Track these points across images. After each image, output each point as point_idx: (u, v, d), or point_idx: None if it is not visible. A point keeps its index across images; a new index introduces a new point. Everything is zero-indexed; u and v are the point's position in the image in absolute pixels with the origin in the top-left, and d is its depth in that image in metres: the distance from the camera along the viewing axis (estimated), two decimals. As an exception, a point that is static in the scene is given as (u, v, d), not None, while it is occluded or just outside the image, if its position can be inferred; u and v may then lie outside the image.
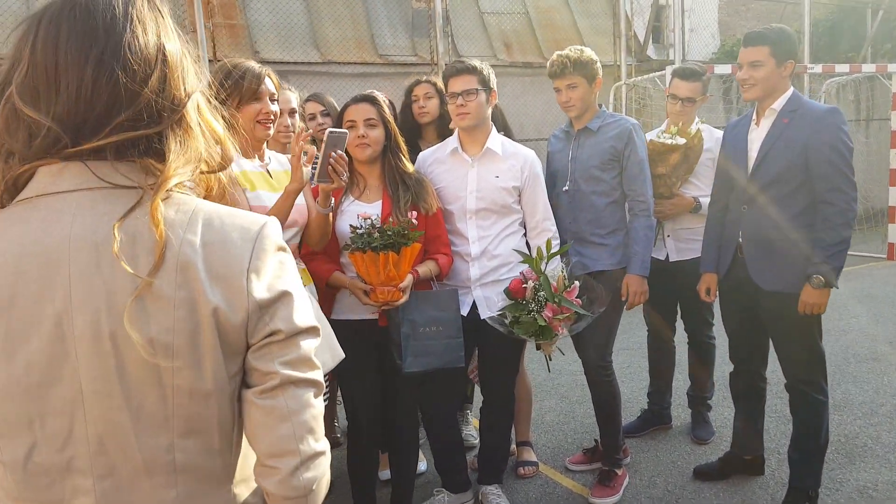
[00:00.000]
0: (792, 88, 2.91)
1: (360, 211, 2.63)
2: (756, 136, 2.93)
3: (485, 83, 2.84)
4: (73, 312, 0.88)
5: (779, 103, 2.87)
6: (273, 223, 0.99)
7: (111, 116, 0.90)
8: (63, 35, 0.90)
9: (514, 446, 3.57)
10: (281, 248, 0.99)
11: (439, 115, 3.41)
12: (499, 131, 3.15)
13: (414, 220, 2.58)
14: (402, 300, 2.57)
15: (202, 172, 0.99)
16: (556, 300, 2.70)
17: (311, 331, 0.99)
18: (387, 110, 2.73)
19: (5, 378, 0.89)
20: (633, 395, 4.34)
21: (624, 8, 9.17)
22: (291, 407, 0.95)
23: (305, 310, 0.99)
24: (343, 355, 2.31)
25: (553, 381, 4.72)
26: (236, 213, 0.98)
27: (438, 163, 2.97)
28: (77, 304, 0.88)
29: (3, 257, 0.89)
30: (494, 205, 2.89)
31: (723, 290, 3.13)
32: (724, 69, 7.74)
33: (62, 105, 0.89)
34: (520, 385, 3.36)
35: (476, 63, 2.86)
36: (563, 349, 3.05)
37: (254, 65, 2.35)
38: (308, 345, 0.98)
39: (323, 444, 0.99)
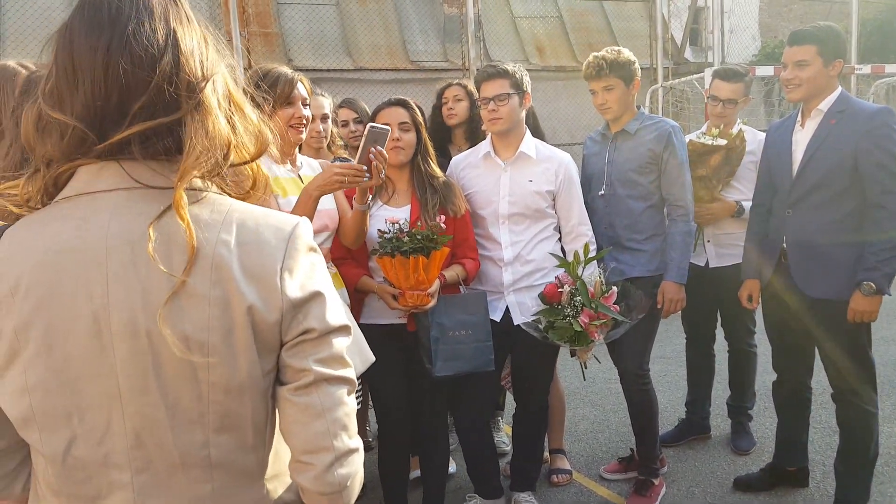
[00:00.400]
0: (840, 88, 2.79)
1: (389, 216, 2.62)
2: (801, 138, 2.83)
3: (517, 86, 2.79)
4: (110, 309, 0.90)
5: (825, 103, 2.76)
6: (305, 223, 1.00)
7: (127, 107, 0.91)
8: (75, 34, 0.92)
9: (547, 454, 3.51)
10: (312, 249, 1.00)
11: (469, 118, 3.40)
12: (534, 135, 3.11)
13: (442, 225, 2.56)
14: (431, 304, 2.55)
15: (234, 164, 0.98)
16: (593, 306, 2.64)
17: (343, 329, 1.00)
18: (419, 115, 2.72)
19: (45, 371, 0.91)
20: (671, 405, 4.23)
21: (660, 10, 9.05)
22: (325, 404, 0.97)
23: (337, 309, 1.00)
24: (373, 359, 2.29)
25: (587, 388, 4.63)
26: (270, 213, 0.99)
27: (471, 167, 2.94)
28: (114, 301, 0.90)
29: (44, 255, 0.91)
30: (528, 209, 2.84)
31: (765, 296, 3.03)
32: (765, 71, 7.58)
33: (81, 102, 0.91)
34: (553, 392, 3.29)
35: (509, 66, 2.81)
36: (598, 357, 2.98)
37: (286, 69, 2.35)
38: (340, 343, 1.00)
39: (356, 442, 1.01)
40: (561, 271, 2.76)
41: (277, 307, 0.94)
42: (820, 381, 2.99)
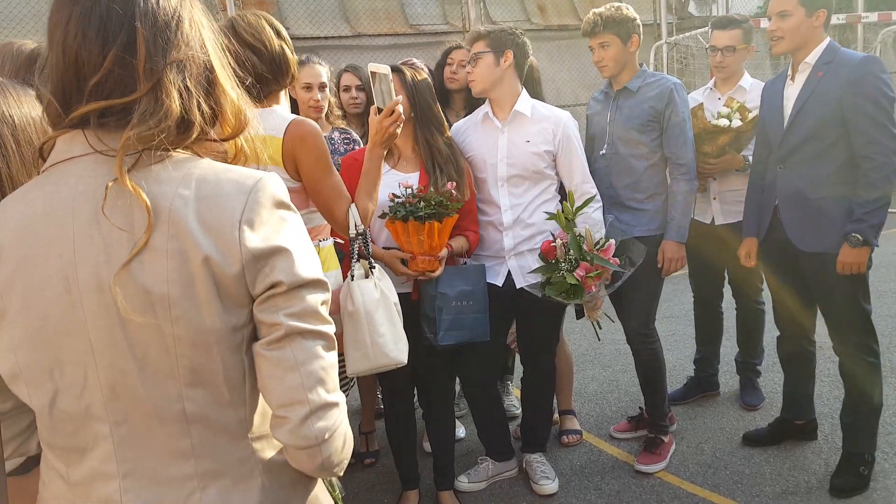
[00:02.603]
0: (828, 39, 2.75)
1: (399, 179, 2.61)
2: (791, 93, 2.80)
3: (494, 45, 2.75)
4: (77, 266, 0.93)
5: (812, 56, 2.73)
6: (272, 178, 0.99)
7: (83, 84, 0.93)
8: (51, 13, 0.96)
9: (557, 415, 3.54)
10: (281, 204, 0.99)
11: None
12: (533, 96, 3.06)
13: (454, 191, 2.56)
14: (440, 271, 2.55)
15: (204, 139, 0.99)
16: (589, 258, 2.63)
17: (316, 283, 0.99)
18: (409, 78, 2.65)
19: (26, 329, 0.95)
20: (679, 363, 4.24)
21: (663, -36, 8.84)
22: (298, 357, 0.96)
23: (309, 263, 0.99)
24: (405, 361, 2.22)
25: (596, 350, 4.66)
26: (233, 168, 0.99)
27: (470, 131, 2.93)
28: (80, 258, 0.93)
29: (21, 219, 0.96)
30: (526, 171, 2.82)
31: (763, 253, 3.03)
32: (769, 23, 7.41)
33: (52, 76, 0.95)
34: (560, 354, 3.31)
35: (489, 28, 2.82)
36: (610, 316, 2.98)
37: None
38: (314, 298, 0.99)
39: (335, 396, 1.00)
40: (558, 228, 2.74)
41: (237, 259, 0.93)
42: (826, 335, 2.98)
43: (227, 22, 2.07)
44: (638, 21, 3.01)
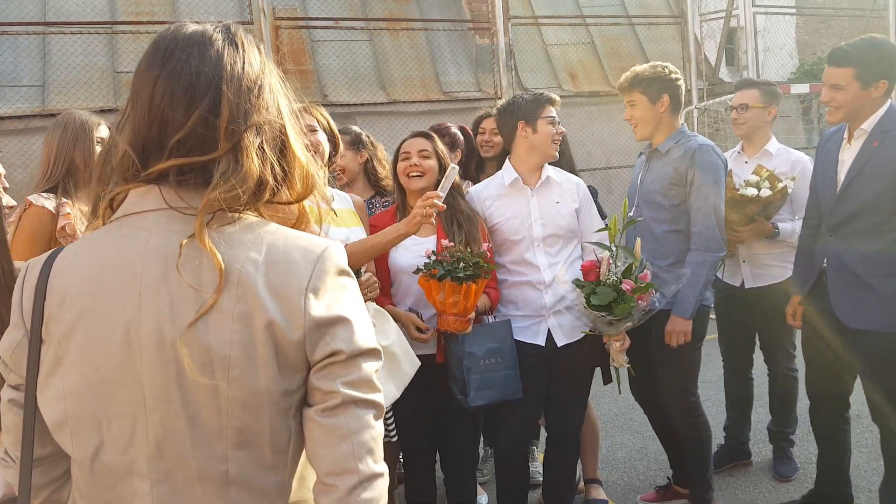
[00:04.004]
0: (888, 104, 2.64)
1: (415, 243, 2.66)
2: (846, 157, 2.70)
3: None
4: (140, 320, 0.95)
5: (869, 123, 2.63)
6: (336, 247, 1.03)
7: (165, 140, 0.97)
8: (139, 69, 1.01)
9: (582, 484, 3.46)
10: (344, 272, 1.02)
11: (503, 150, 3.42)
12: (563, 158, 3.09)
13: (489, 252, 2.59)
14: (467, 331, 2.57)
15: (276, 202, 1.03)
16: (633, 277, 2.61)
17: (373, 353, 1.01)
18: (440, 146, 2.78)
19: (80, 378, 0.96)
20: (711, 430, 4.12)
21: (693, 31, 9.00)
22: (352, 426, 0.97)
23: (367, 332, 1.02)
24: (419, 363, 2.40)
25: (626, 416, 4.56)
26: (301, 235, 1.02)
27: (497, 196, 2.91)
28: (145, 312, 0.95)
29: (90, 268, 0.98)
30: (560, 229, 2.85)
31: (805, 314, 2.93)
32: (801, 88, 7.47)
33: (131, 129, 0.99)
34: (586, 420, 3.24)
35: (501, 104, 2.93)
36: (632, 368, 2.93)
37: None
38: (369, 367, 1.00)
39: (382, 467, 1.00)
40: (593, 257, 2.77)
41: (300, 325, 0.96)
42: (864, 404, 2.88)
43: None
44: (676, 82, 2.93)
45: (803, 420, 3.60)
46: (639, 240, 2.73)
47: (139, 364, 0.95)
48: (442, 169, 2.74)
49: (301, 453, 1.03)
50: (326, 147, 2.48)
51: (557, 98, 2.89)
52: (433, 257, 2.52)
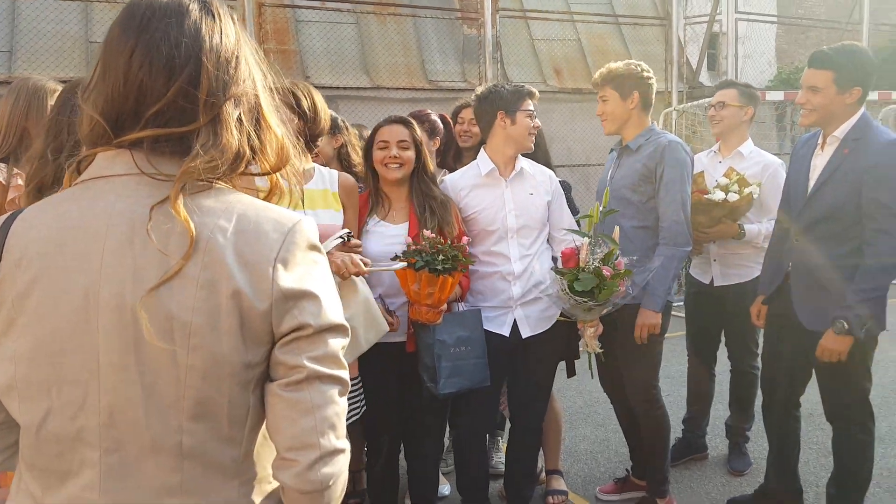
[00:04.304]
0: (861, 112, 2.65)
1: (388, 232, 2.69)
2: (818, 163, 2.73)
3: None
4: (101, 283, 0.92)
5: (841, 131, 2.64)
6: (308, 221, 1.02)
7: (141, 111, 0.95)
8: (111, 35, 0.98)
9: (543, 474, 3.53)
10: (314, 247, 1.01)
11: (481, 141, 3.45)
12: (538, 151, 3.13)
13: (468, 246, 2.60)
14: (438, 322, 2.59)
15: (247, 174, 1.02)
16: (611, 264, 2.65)
17: (340, 329, 1.01)
18: (419, 133, 2.75)
19: (33, 342, 0.93)
20: (673, 425, 4.22)
21: (676, 34, 9.10)
22: (316, 401, 0.96)
23: (335, 308, 1.01)
24: (387, 329, 2.39)
25: (590, 408, 4.64)
26: (273, 207, 1.01)
27: (472, 186, 2.92)
28: (106, 275, 0.92)
29: (50, 230, 0.95)
30: (533, 220, 2.89)
31: (767, 314, 3.02)
32: (776, 95, 7.60)
33: (104, 98, 0.96)
34: (549, 411, 3.29)
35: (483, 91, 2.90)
36: (579, 374, 2.99)
37: None
38: (336, 343, 1.00)
39: (343, 443, 1.00)
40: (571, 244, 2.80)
41: (268, 295, 0.94)
42: (817, 403, 2.96)
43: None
44: (648, 80, 2.97)
45: (759, 417, 3.72)
46: (617, 227, 2.77)
47: (96, 328, 0.92)
48: (420, 157, 2.74)
49: (259, 429, 1.01)
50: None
51: (537, 93, 2.93)
52: (412, 246, 2.52)
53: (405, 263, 2.44)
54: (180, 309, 0.91)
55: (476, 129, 3.40)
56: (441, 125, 3.45)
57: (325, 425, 0.97)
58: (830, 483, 2.88)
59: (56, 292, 0.93)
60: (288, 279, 0.96)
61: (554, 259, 2.94)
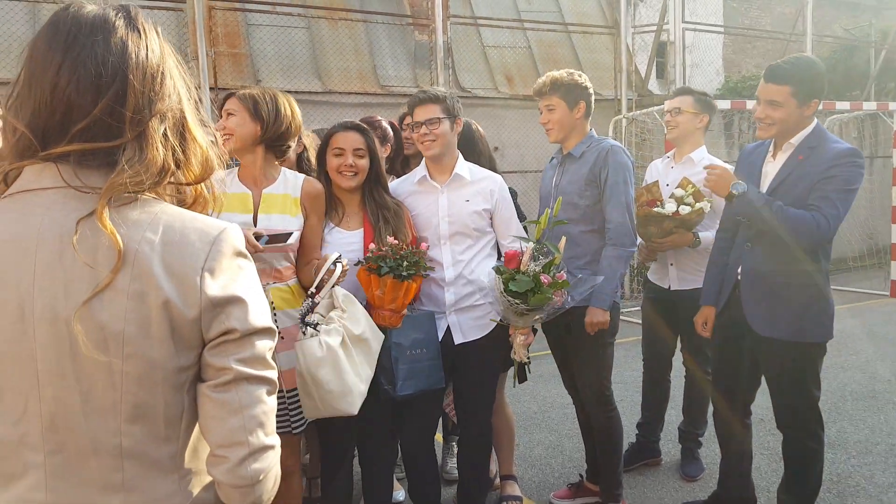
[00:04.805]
0: (815, 123, 2.69)
1: (343, 238, 2.67)
2: (770, 170, 2.76)
3: (449, 111, 2.82)
4: (34, 296, 0.96)
5: (797, 139, 2.67)
6: (234, 229, 1.06)
7: (68, 126, 0.98)
8: (36, 48, 1.00)
9: (498, 480, 3.51)
10: (240, 254, 1.05)
11: None
12: (482, 158, 3.15)
13: (427, 253, 2.61)
14: (398, 326, 2.62)
15: (174, 184, 1.05)
16: (552, 273, 2.66)
17: (267, 332, 1.06)
18: (374, 140, 2.75)
19: None
20: (625, 430, 4.25)
21: (625, 42, 9.26)
22: (243, 401, 1.02)
23: (262, 312, 1.06)
24: (382, 335, 2.44)
25: (544, 413, 4.65)
26: (199, 217, 1.05)
27: (408, 193, 2.95)
28: (38, 288, 0.96)
29: None
30: (466, 228, 2.87)
31: (717, 323, 3.02)
32: (723, 104, 7.78)
33: (30, 111, 0.98)
34: (500, 417, 3.29)
35: (439, 92, 2.85)
36: (532, 379, 2.97)
37: None
38: (263, 345, 1.05)
39: (272, 439, 1.06)
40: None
41: (196, 304, 0.99)
42: (769, 409, 3.01)
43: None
44: (589, 90, 3.05)
45: (712, 423, 3.76)
46: (564, 238, 2.78)
47: (32, 339, 0.96)
48: (374, 165, 2.73)
49: (193, 426, 1.06)
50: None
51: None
52: (373, 252, 2.54)
53: (336, 255, 2.42)
54: (112, 319, 0.95)
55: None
56: (391, 132, 3.42)
57: (254, 423, 1.03)
58: (781, 489, 2.91)
59: None
60: (215, 287, 1.00)
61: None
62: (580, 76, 3.05)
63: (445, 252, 2.87)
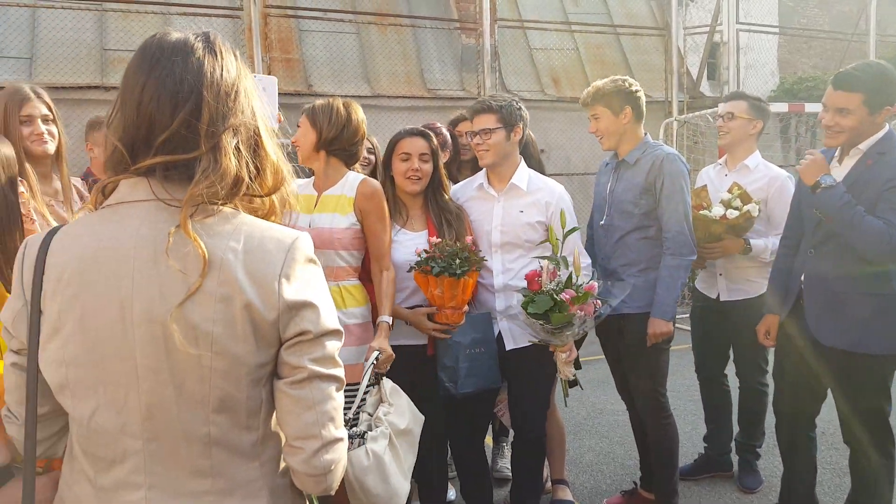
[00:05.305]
0: (887, 128, 2.58)
1: (409, 238, 2.75)
2: (836, 175, 2.65)
3: (505, 121, 2.82)
4: (133, 298, 1.06)
5: (866, 144, 2.57)
6: (305, 237, 1.14)
7: (152, 139, 1.08)
8: (128, 72, 1.12)
9: (549, 484, 3.48)
10: (311, 261, 1.14)
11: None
12: (531, 161, 3.13)
13: (474, 246, 2.65)
14: (462, 322, 2.67)
15: (250, 195, 1.14)
16: (575, 288, 2.64)
17: (336, 333, 1.15)
18: (437, 145, 2.84)
19: (80, 348, 1.07)
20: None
21: (676, 44, 9.10)
22: (316, 397, 1.11)
23: (331, 315, 1.14)
24: (423, 417, 2.35)
25: (593, 420, 4.59)
26: (274, 226, 1.15)
27: (468, 197, 3.00)
28: (137, 292, 1.06)
29: (86, 249, 1.09)
30: (518, 239, 2.88)
31: (780, 333, 2.92)
32: (780, 107, 7.56)
33: (121, 127, 1.10)
34: (551, 421, 3.25)
35: (496, 101, 2.85)
36: (583, 384, 2.94)
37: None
38: (332, 345, 1.14)
39: (341, 432, 1.15)
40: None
41: (274, 307, 1.08)
42: (832, 421, 2.91)
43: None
44: (636, 94, 3.00)
45: (770, 432, 3.66)
46: (576, 250, 2.75)
47: (132, 338, 1.06)
48: (437, 170, 2.80)
49: (271, 417, 1.15)
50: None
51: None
52: (424, 254, 2.59)
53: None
54: (202, 320, 1.05)
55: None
56: (451, 139, 3.46)
57: (325, 418, 1.12)
58: (849, 504, 2.79)
59: (96, 306, 1.07)
60: (290, 291, 1.09)
61: None
62: (624, 81, 3.01)
63: (496, 260, 2.89)
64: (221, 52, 1.14)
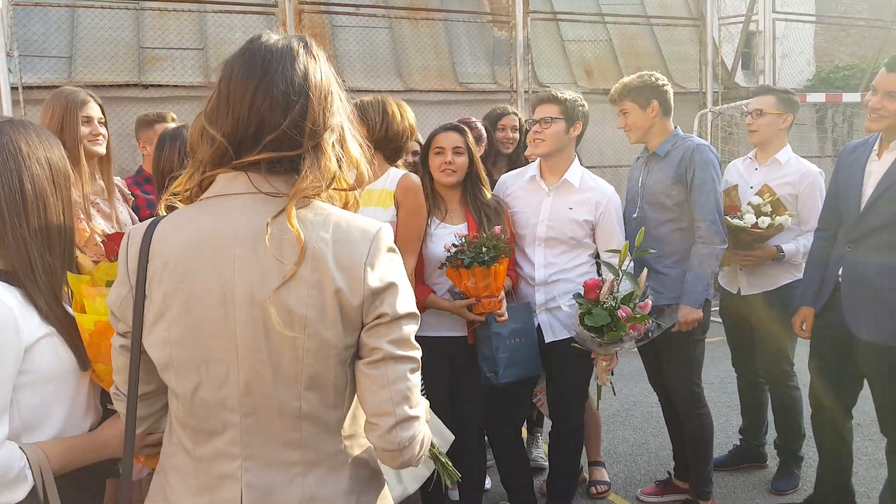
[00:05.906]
0: None
1: (449, 232, 2.77)
2: (876, 169, 2.62)
3: (567, 113, 2.86)
4: (235, 283, 1.14)
5: None
6: (387, 228, 1.22)
7: (260, 137, 1.16)
8: (234, 72, 1.19)
9: (584, 474, 3.53)
10: (391, 249, 1.22)
11: (516, 147, 3.58)
12: None
13: (501, 234, 2.69)
14: (500, 309, 2.69)
15: (338, 189, 1.22)
16: (632, 305, 2.66)
17: (412, 316, 1.21)
18: (471, 140, 2.87)
19: (184, 329, 1.16)
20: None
21: (711, 34, 8.99)
22: (391, 377, 1.17)
23: (409, 299, 1.21)
24: (452, 437, 2.33)
25: (627, 412, 4.62)
26: (358, 217, 1.23)
27: (518, 187, 3.03)
28: (238, 277, 1.14)
29: (190, 239, 1.17)
30: (564, 235, 2.91)
31: (816, 325, 2.91)
32: (817, 97, 7.44)
33: (228, 125, 1.17)
34: (588, 410, 3.30)
35: (562, 94, 2.89)
36: (615, 386, 2.98)
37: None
38: (409, 328, 1.20)
39: (416, 411, 1.20)
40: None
41: (360, 293, 1.15)
42: (868, 412, 2.91)
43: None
44: (663, 87, 3.02)
45: (806, 424, 3.63)
46: (645, 270, 2.77)
47: (233, 319, 1.14)
48: (472, 163, 2.84)
49: (354, 396, 1.23)
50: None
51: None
52: (452, 249, 2.63)
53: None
54: (297, 304, 1.13)
55: (515, 137, 3.50)
56: (485, 134, 3.51)
57: (399, 397, 1.17)
58: (885, 495, 2.79)
59: (199, 291, 1.15)
60: (374, 278, 1.16)
61: None
62: (651, 76, 3.04)
63: (538, 253, 2.93)
64: (317, 55, 1.22)
